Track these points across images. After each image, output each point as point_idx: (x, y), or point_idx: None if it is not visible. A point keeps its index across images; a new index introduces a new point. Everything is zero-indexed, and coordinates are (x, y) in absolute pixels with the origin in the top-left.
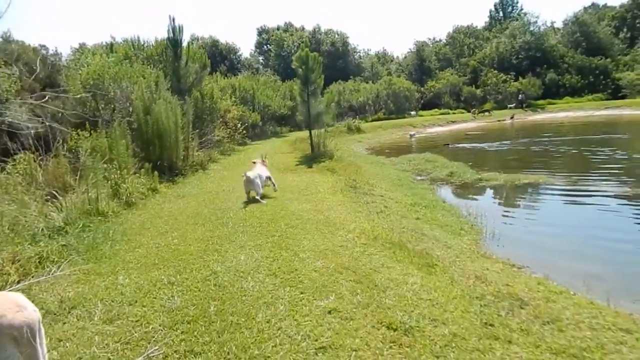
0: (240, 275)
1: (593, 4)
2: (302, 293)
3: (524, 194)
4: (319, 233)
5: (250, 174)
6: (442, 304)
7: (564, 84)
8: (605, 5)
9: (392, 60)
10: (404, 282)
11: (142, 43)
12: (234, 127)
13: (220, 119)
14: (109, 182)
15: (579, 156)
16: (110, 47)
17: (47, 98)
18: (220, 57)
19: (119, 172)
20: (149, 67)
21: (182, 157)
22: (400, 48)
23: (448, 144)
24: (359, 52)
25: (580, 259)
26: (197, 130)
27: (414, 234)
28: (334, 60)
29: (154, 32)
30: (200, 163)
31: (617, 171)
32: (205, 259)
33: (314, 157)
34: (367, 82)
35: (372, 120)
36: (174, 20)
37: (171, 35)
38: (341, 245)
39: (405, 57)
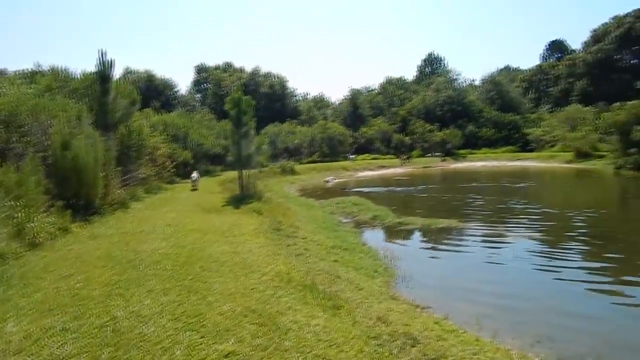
0: (142, 320)
1: (506, 67)
2: (202, 337)
3: (438, 237)
4: (232, 276)
5: (196, 174)
6: (340, 345)
7: (481, 136)
8: (516, 69)
9: (328, 106)
10: (307, 324)
11: (69, 74)
12: (162, 165)
13: (148, 156)
14: (13, 220)
15: (489, 203)
16: (32, 77)
17: None
18: (155, 92)
19: (25, 210)
20: (73, 100)
21: (100, 195)
22: (338, 93)
23: (345, 189)
24: (297, 95)
25: (479, 300)
26: (121, 167)
27: (328, 276)
28: (271, 102)
29: (86, 62)
30: (121, 201)
31: (519, 218)
32: (106, 304)
33: (242, 198)
34: (303, 125)
35: (307, 163)
36: (104, 54)
37: (100, 69)
38: (253, 288)
39: (341, 103)
